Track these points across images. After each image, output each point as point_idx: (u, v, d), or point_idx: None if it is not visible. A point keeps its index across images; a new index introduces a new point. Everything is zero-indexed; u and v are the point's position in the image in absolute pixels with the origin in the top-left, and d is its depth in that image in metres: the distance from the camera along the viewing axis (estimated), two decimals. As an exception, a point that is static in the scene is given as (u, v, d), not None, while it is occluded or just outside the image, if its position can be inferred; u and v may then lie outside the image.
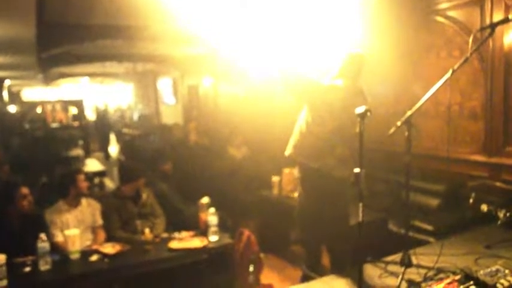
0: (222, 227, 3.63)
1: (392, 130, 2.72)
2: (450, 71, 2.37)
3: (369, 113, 2.08)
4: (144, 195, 3.91)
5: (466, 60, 2.34)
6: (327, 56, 3.35)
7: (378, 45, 4.90)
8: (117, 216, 3.71)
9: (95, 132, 15.56)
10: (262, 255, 3.95)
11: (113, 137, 14.65)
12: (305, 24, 4.90)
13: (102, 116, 16.03)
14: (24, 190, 3.37)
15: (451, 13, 4.28)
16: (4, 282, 2.67)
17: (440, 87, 2.52)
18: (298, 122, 3.33)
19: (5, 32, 4.84)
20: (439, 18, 4.39)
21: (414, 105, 2.60)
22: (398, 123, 2.63)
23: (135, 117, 15.99)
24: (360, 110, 2.09)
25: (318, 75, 3.26)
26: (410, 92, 4.68)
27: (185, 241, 3.43)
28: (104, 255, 3.16)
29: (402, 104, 4.61)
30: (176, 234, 3.59)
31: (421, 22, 4.61)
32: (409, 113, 2.56)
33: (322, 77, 3.24)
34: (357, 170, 2.08)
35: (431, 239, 3.63)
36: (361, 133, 2.06)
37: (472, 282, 2.24)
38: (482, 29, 2.73)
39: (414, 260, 2.68)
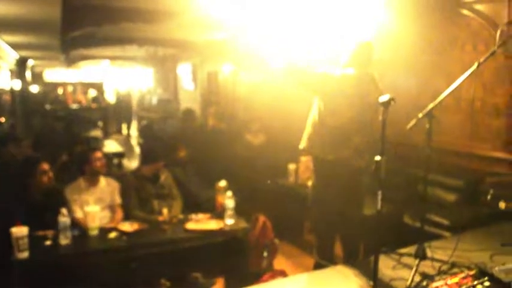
0: (238, 211, 3.66)
1: (413, 122, 2.71)
2: (476, 64, 2.35)
3: (392, 102, 2.08)
4: (163, 177, 3.97)
5: (492, 54, 2.31)
6: (344, 46, 3.33)
7: (401, 37, 4.85)
8: (136, 196, 3.78)
9: (114, 115, 15.75)
10: (276, 241, 3.99)
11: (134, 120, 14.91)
12: (324, 13, 4.87)
13: (123, 98, 16.21)
14: (45, 165, 3.45)
15: (477, 6, 4.20)
16: (26, 254, 2.76)
17: (463, 81, 2.49)
18: (311, 114, 3.33)
19: (31, 12, 4.91)
20: (465, 12, 4.31)
21: (436, 99, 2.58)
22: (420, 115, 2.62)
23: (154, 101, 16.10)
24: (384, 98, 2.08)
25: (328, 65, 3.26)
26: (433, 86, 4.62)
27: (201, 223, 3.48)
28: (122, 233, 3.23)
29: (423, 98, 4.56)
30: (193, 216, 3.64)
31: (446, 15, 4.53)
32: (431, 105, 2.54)
33: (332, 67, 3.24)
34: (377, 157, 2.08)
35: (446, 234, 3.61)
36: (384, 121, 2.06)
37: (486, 278, 2.23)
38: (510, 23, 2.69)
39: (429, 253, 2.67)
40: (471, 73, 2.44)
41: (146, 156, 4.04)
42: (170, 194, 3.97)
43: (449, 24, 4.52)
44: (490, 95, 4.14)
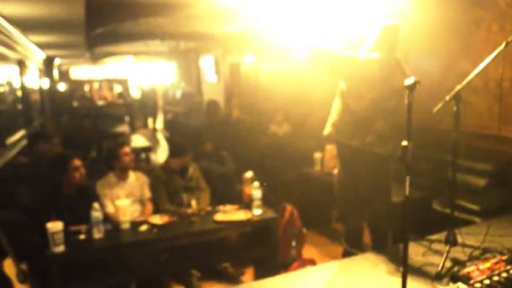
0: (265, 201, 3.69)
1: (439, 105, 2.67)
2: (504, 44, 2.30)
3: (418, 85, 2.04)
4: (191, 170, 4.03)
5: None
6: (365, 28, 3.26)
7: (425, 18, 4.75)
8: (165, 189, 3.85)
9: (140, 110, 15.99)
10: (304, 230, 4.01)
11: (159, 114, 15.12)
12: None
13: (148, 93, 16.43)
14: (77, 162, 3.52)
15: (504, -16, 4.07)
16: (62, 248, 2.85)
17: (490, 62, 2.43)
18: (335, 99, 3.30)
19: (56, 12, 5.02)
20: (492, -9, 4.19)
21: (461, 81, 2.53)
22: (447, 98, 2.57)
23: (178, 95, 16.26)
24: (409, 81, 2.05)
25: (351, 48, 3.20)
26: (459, 68, 4.51)
27: (230, 214, 3.52)
28: (153, 226, 3.30)
29: (449, 80, 4.46)
30: (221, 207, 3.68)
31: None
32: (458, 87, 2.50)
33: (357, 50, 3.19)
34: (404, 143, 2.05)
35: (477, 219, 3.55)
36: (410, 105, 2.02)
37: (520, 263, 2.21)
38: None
39: (459, 239, 2.65)
40: (499, 53, 2.38)
41: (174, 150, 4.09)
42: (198, 187, 4.03)
43: (474, 4, 4.40)
44: (520, 75, 4.02)
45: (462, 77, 2.53)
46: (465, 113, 4.35)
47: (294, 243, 3.86)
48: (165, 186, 3.86)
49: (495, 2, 4.17)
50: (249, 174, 3.91)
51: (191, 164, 4.06)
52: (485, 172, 4.10)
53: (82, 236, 3.09)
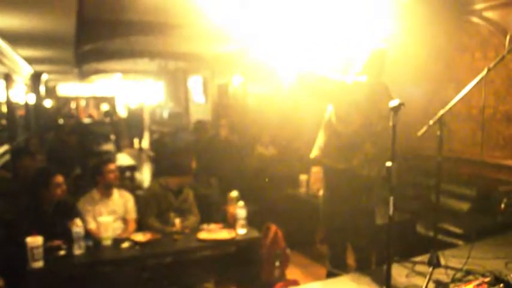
0: (249, 221, 3.67)
1: (423, 129, 2.70)
2: (485, 70, 2.36)
3: (402, 106, 2.08)
4: (186, 193, 3.99)
5: (502, 59, 2.31)
6: (353, 52, 3.32)
7: (411, 45, 4.87)
8: (156, 205, 3.80)
9: (126, 129, 15.92)
10: (288, 251, 3.98)
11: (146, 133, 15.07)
12: (333, 19, 4.89)
13: (135, 112, 16.39)
14: (59, 178, 3.45)
15: (486, 14, 4.21)
16: (41, 263, 2.79)
17: (474, 89, 2.49)
18: (323, 123, 3.33)
19: (46, 26, 5.02)
20: (475, 19, 4.32)
21: (446, 107, 2.58)
22: (431, 122, 2.62)
23: (165, 115, 16.25)
24: (394, 103, 2.09)
25: (339, 72, 3.25)
26: (443, 94, 4.62)
27: (213, 232, 3.49)
28: (135, 243, 3.25)
29: (434, 106, 4.55)
30: (205, 226, 3.65)
31: (456, 22, 4.54)
32: (441, 111, 2.54)
33: (345, 74, 3.23)
34: (388, 163, 2.08)
35: (460, 242, 3.58)
36: (394, 127, 2.06)
37: (502, 285, 2.21)
38: (519, 28, 2.68)
39: (442, 261, 2.65)
40: (481, 80, 2.43)
41: (176, 169, 3.99)
42: (190, 210, 3.97)
43: (458, 32, 4.53)
44: (502, 103, 4.13)
45: (447, 102, 2.58)
46: (449, 139, 4.44)
47: (277, 264, 3.83)
48: (158, 202, 3.81)
49: (478, 30, 4.31)
50: (234, 193, 3.90)
51: (187, 188, 4.02)
52: (469, 196, 4.16)
53: (62, 252, 3.03)
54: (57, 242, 3.09)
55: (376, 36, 4.60)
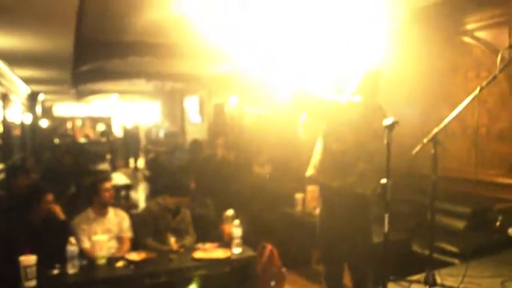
0: (245, 240, 3.65)
1: (418, 148, 2.73)
2: (478, 88, 2.39)
3: (396, 124, 2.11)
4: (183, 212, 3.97)
5: (494, 78, 2.35)
6: (348, 72, 3.38)
7: (405, 65, 4.93)
8: (153, 224, 3.78)
9: (122, 149, 15.91)
10: (284, 270, 3.96)
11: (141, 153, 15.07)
12: (328, 40, 4.97)
13: (131, 132, 16.41)
14: (49, 197, 3.47)
15: (479, 34, 4.29)
16: (33, 283, 2.76)
17: (467, 108, 2.52)
18: (318, 141, 3.35)
19: (44, 47, 5.08)
20: (467, 39, 4.40)
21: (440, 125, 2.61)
22: (425, 140, 2.64)
23: (161, 134, 16.28)
24: (388, 121, 2.12)
25: (333, 92, 3.29)
26: (437, 114, 4.65)
27: (209, 252, 3.47)
28: (130, 262, 3.22)
29: (428, 125, 4.56)
30: (200, 245, 3.63)
31: (449, 42, 4.62)
32: (436, 129, 2.57)
33: (340, 94, 3.28)
34: (383, 180, 2.09)
35: (456, 261, 3.57)
36: (389, 145, 2.09)
37: (498, 303, 2.21)
38: (510, 47, 2.72)
39: (438, 280, 2.65)
40: (475, 99, 2.47)
41: (175, 189, 3.98)
42: (186, 230, 3.96)
43: (452, 52, 4.60)
44: (495, 121, 4.17)
45: (441, 121, 2.62)
46: (444, 157, 4.44)
47: (273, 283, 3.80)
48: (155, 222, 3.79)
49: (471, 50, 4.38)
50: (229, 212, 3.89)
51: (185, 208, 4.01)
52: (464, 215, 4.16)
53: (56, 271, 3.00)
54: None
55: (371, 56, 4.67)
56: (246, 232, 3.69)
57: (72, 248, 3.00)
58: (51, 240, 3.08)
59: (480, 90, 2.42)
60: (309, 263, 4.91)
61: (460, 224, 4.12)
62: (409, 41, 4.95)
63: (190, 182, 4.73)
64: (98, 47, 6.34)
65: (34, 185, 3.96)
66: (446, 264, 3.34)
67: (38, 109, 13.08)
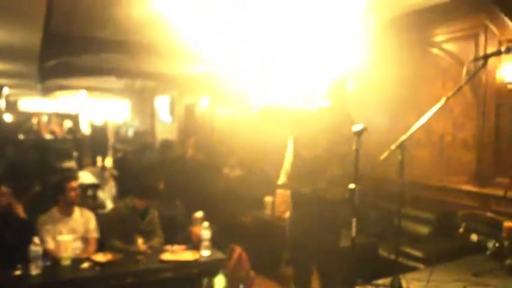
0: (214, 243, 3.63)
1: (385, 154, 2.78)
2: (444, 99, 2.45)
3: (365, 131, 2.15)
4: (151, 215, 3.91)
5: (459, 89, 2.42)
6: (318, 80, 3.44)
7: (374, 73, 5.02)
8: (121, 226, 3.71)
9: (89, 146, 15.56)
10: (252, 273, 3.95)
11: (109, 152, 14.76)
12: (300, 47, 5.00)
13: (99, 130, 16.06)
14: (3, 189, 3.39)
15: (446, 46, 4.42)
16: (-6, 284, 2.67)
17: (433, 117, 2.58)
18: (288, 149, 3.38)
19: (11, 39, 4.92)
20: (435, 50, 4.53)
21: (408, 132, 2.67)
22: (392, 147, 2.70)
23: (130, 133, 16.02)
24: (357, 128, 2.16)
25: (302, 100, 3.35)
26: (404, 121, 4.75)
27: (177, 254, 3.43)
28: (95, 263, 3.15)
29: (395, 132, 4.61)
30: (169, 247, 3.59)
31: (418, 53, 4.75)
32: (403, 137, 2.63)
33: (308, 102, 3.33)
34: (351, 185, 2.13)
35: (420, 266, 3.65)
36: (357, 150, 2.12)
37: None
38: (475, 60, 2.79)
39: (404, 284, 2.69)
40: (441, 108, 2.53)
41: (145, 191, 3.92)
42: (154, 232, 3.90)
43: (421, 62, 4.73)
44: (460, 130, 4.30)
45: (409, 129, 2.67)
46: (411, 164, 4.53)
47: (241, 286, 3.79)
48: (123, 223, 3.72)
49: (438, 60, 4.50)
50: (199, 214, 3.85)
51: (153, 209, 3.95)
52: (429, 220, 4.28)
53: (18, 272, 2.90)
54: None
55: (339, 64, 4.74)
56: (215, 234, 3.68)
57: (35, 248, 2.91)
58: (12, 239, 2.97)
59: (446, 101, 2.48)
60: (278, 266, 4.92)
61: (425, 230, 4.23)
62: (379, 50, 5.03)
63: (160, 183, 4.67)
64: (68, 42, 6.19)
65: None
66: (411, 269, 3.41)
67: (2, 103, 12.66)
